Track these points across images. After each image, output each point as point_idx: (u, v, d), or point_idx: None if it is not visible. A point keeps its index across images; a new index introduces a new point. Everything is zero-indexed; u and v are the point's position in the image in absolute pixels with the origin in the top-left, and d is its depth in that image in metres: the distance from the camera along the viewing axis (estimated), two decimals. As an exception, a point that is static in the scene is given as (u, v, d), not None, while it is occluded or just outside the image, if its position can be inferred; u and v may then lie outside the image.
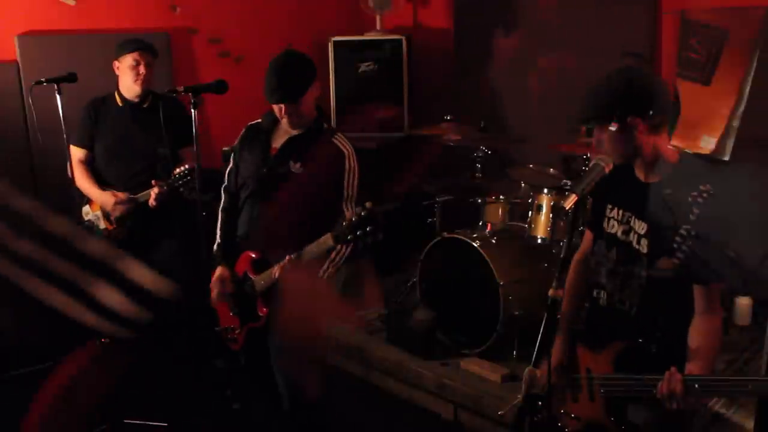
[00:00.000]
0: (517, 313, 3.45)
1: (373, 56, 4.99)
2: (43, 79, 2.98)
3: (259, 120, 2.71)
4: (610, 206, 2.10)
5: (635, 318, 2.03)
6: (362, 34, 5.11)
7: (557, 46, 4.62)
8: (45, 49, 3.89)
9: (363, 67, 5.01)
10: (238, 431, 3.32)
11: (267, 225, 2.61)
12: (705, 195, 1.87)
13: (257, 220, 2.63)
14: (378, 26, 5.13)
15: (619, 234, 2.06)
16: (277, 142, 2.64)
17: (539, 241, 3.59)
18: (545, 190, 3.61)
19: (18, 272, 3.32)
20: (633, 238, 2.02)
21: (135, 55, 3.33)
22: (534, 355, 1.79)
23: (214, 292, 2.66)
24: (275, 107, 2.53)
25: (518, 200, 3.85)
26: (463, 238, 3.60)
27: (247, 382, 3.24)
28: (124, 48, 3.37)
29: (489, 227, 3.79)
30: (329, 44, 4.98)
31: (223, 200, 2.69)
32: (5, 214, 3.24)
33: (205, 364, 3.63)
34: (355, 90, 5.01)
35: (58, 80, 2.96)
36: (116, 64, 3.39)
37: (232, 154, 2.78)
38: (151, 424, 3.25)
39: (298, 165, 2.55)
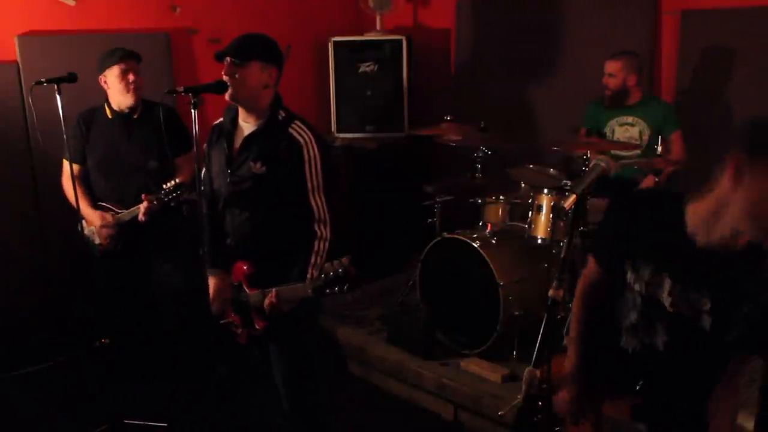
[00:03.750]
0: (517, 313, 3.45)
1: (373, 56, 4.98)
2: (43, 80, 2.95)
3: (221, 119, 2.64)
4: (649, 266, 1.77)
5: (669, 376, 1.84)
6: (362, 34, 5.10)
7: (557, 46, 4.62)
8: (45, 49, 3.87)
9: (363, 67, 5.00)
10: (237, 431, 3.32)
11: (246, 234, 2.57)
12: None
13: (239, 229, 2.59)
14: (378, 26, 5.13)
15: (665, 303, 1.76)
16: (238, 141, 2.55)
17: (539, 241, 3.59)
18: (545, 190, 3.61)
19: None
20: (688, 311, 1.73)
21: (121, 65, 3.26)
22: (534, 355, 1.78)
23: (216, 305, 2.63)
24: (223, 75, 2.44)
25: (518, 200, 3.85)
26: (463, 238, 3.60)
27: (247, 386, 3.24)
28: (107, 60, 3.28)
29: (489, 227, 3.79)
30: (329, 44, 4.98)
31: (204, 206, 2.64)
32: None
33: (207, 368, 3.64)
34: (355, 90, 5.01)
35: (58, 80, 2.93)
36: (102, 78, 3.31)
37: (204, 158, 2.71)
38: (151, 425, 3.25)
39: (258, 165, 2.47)
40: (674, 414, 1.86)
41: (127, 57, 3.28)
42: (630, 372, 1.90)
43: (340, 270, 2.25)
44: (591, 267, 1.97)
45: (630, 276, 1.81)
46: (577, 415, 1.95)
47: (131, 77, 3.28)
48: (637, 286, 1.81)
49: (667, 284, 1.73)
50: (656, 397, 1.85)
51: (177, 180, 3.19)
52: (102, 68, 3.30)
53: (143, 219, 3.22)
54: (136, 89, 3.31)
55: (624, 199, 1.90)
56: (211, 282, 2.62)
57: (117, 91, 3.30)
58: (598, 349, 1.96)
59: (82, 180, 3.40)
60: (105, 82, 3.32)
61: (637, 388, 1.85)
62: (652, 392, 1.85)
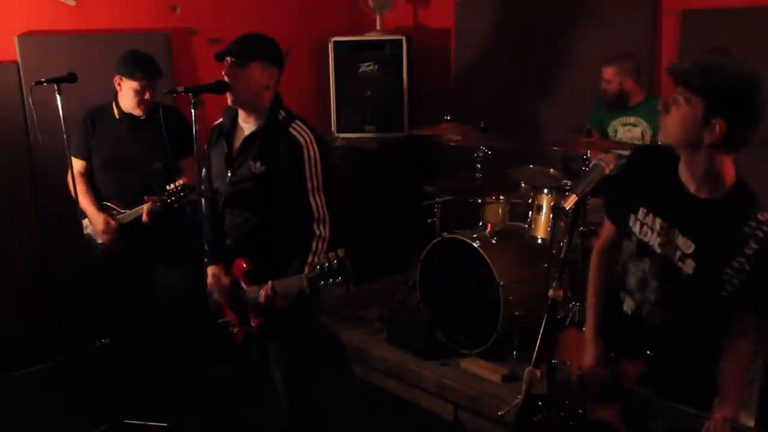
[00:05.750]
0: (517, 313, 3.45)
1: (373, 56, 4.99)
2: (43, 80, 2.94)
3: (221, 119, 2.65)
4: (644, 210, 1.90)
5: (666, 335, 1.91)
6: (362, 34, 5.10)
7: (558, 46, 4.62)
8: (45, 49, 3.87)
9: (363, 67, 5.00)
10: (237, 431, 3.32)
11: (245, 234, 2.57)
12: (765, 228, 1.70)
13: (238, 228, 2.59)
14: (378, 26, 5.13)
15: (655, 245, 1.87)
16: (238, 142, 2.56)
17: (539, 241, 3.59)
18: (545, 190, 3.61)
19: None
20: (674, 253, 1.83)
21: (142, 82, 3.22)
22: (534, 355, 1.78)
23: (215, 295, 2.64)
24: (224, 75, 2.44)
25: (518, 200, 3.85)
26: (463, 238, 3.60)
27: (246, 386, 3.25)
28: (129, 70, 3.22)
29: (489, 227, 3.79)
30: (329, 44, 4.98)
31: (203, 206, 2.63)
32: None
33: (205, 367, 3.64)
34: (355, 90, 5.01)
35: (58, 80, 2.92)
36: (117, 79, 3.27)
37: (204, 158, 2.70)
38: (151, 425, 3.25)
39: (258, 164, 2.47)
40: (681, 377, 1.87)
41: (150, 77, 3.25)
42: (631, 336, 1.96)
43: (335, 261, 2.26)
44: (606, 227, 2.08)
45: (632, 221, 1.92)
46: (598, 379, 1.97)
47: (147, 95, 3.26)
48: (635, 229, 1.91)
49: (658, 224, 1.84)
50: (661, 361, 1.89)
51: (180, 182, 3.19)
52: (121, 73, 3.25)
53: (146, 220, 3.22)
54: (147, 105, 3.29)
55: (629, 155, 2.04)
56: (210, 271, 2.63)
57: (128, 99, 3.28)
58: (606, 315, 2.06)
59: (86, 177, 3.40)
60: (119, 84, 3.28)
61: (648, 353, 1.92)
62: (658, 356, 1.90)
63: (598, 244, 2.15)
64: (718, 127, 1.66)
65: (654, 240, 1.87)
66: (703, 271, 1.78)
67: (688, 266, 1.80)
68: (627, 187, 1.90)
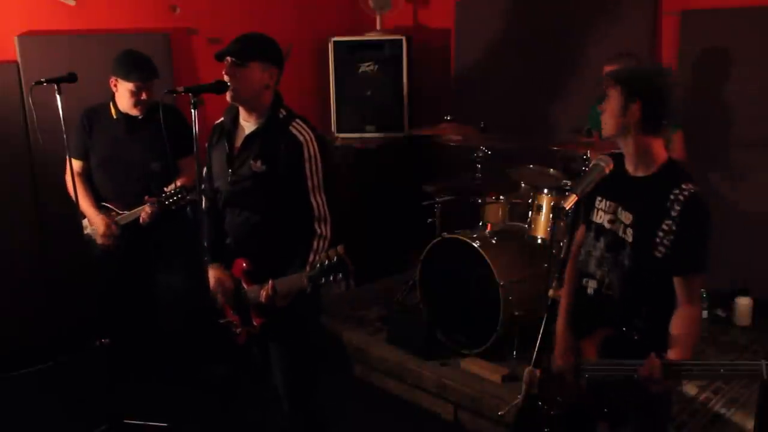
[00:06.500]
0: (517, 313, 3.45)
1: (373, 56, 4.99)
2: (43, 80, 2.94)
3: (222, 118, 2.64)
4: (599, 198, 2.17)
5: (618, 304, 2.10)
6: (362, 34, 5.11)
7: (557, 46, 4.62)
8: (45, 49, 3.87)
9: (363, 67, 5.01)
10: (237, 431, 3.32)
11: (246, 233, 2.57)
12: (686, 193, 1.95)
13: (239, 228, 2.59)
14: (378, 26, 5.13)
15: (605, 223, 2.13)
16: (239, 141, 2.56)
17: (539, 241, 3.59)
18: (545, 190, 3.61)
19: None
20: (619, 227, 2.09)
21: (138, 83, 3.21)
22: (534, 355, 1.79)
23: (220, 297, 2.63)
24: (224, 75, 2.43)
25: (518, 200, 3.85)
26: (463, 238, 3.60)
27: (247, 386, 3.25)
28: (124, 72, 3.20)
29: (489, 227, 3.79)
30: (329, 44, 4.98)
31: (204, 204, 2.63)
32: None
33: (205, 368, 3.64)
34: (355, 90, 5.01)
35: (58, 80, 2.91)
36: (114, 80, 3.25)
37: (206, 157, 2.71)
38: (151, 425, 3.25)
39: (258, 163, 2.47)
40: (639, 349, 2.00)
41: (146, 78, 3.23)
42: (594, 316, 2.16)
43: (334, 258, 2.26)
44: (580, 229, 2.30)
45: (593, 213, 2.20)
46: (567, 370, 2.11)
47: (143, 96, 3.24)
48: (593, 217, 2.20)
49: (608, 205, 2.15)
50: (620, 334, 2.09)
51: (178, 183, 3.19)
52: (117, 74, 3.23)
53: (145, 221, 3.22)
54: (144, 105, 3.28)
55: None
56: (211, 273, 2.62)
57: (124, 100, 3.27)
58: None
59: (85, 177, 3.39)
60: (115, 85, 3.26)
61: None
62: (615, 327, 2.10)
63: (573, 247, 2.29)
64: (635, 108, 2.00)
65: (605, 219, 2.15)
66: (641, 238, 2.03)
67: (629, 235, 2.06)
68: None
